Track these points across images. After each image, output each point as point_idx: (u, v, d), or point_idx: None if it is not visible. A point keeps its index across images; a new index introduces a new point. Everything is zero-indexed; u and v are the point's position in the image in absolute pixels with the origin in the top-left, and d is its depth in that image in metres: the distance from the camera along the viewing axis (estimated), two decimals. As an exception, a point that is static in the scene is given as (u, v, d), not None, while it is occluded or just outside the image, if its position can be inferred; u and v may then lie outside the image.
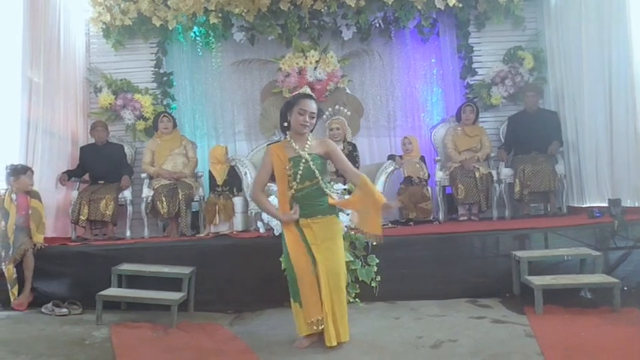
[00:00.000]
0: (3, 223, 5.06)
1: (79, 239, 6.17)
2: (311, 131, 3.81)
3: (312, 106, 3.71)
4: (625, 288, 4.55)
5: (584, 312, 4.24)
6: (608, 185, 5.93)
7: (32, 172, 5.43)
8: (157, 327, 4.38)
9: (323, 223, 3.71)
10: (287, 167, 3.70)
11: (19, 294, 4.95)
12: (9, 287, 4.92)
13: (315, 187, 3.71)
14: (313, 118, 3.72)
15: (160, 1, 7.10)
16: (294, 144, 3.74)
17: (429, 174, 6.76)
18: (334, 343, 3.61)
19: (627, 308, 4.22)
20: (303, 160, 3.68)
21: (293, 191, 3.72)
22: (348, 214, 5.07)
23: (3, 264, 4.96)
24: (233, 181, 6.60)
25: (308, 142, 3.74)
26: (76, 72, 7.12)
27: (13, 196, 5.18)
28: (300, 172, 3.67)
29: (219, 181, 6.54)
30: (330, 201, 3.75)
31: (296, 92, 4.03)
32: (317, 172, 3.69)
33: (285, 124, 3.80)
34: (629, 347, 3.43)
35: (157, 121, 6.78)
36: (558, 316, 4.16)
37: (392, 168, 6.61)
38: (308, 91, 3.96)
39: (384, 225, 5.95)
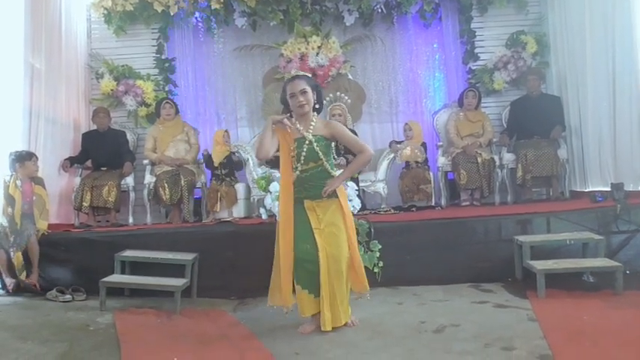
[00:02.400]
0: (10, 209, 5.06)
1: (81, 226, 6.19)
2: (317, 108, 3.83)
3: (299, 84, 3.72)
4: (627, 271, 4.53)
5: (586, 296, 4.26)
6: (610, 169, 5.92)
7: (37, 158, 5.44)
8: (161, 313, 4.41)
9: (327, 205, 3.73)
10: (292, 148, 3.74)
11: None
12: (17, 273, 4.94)
13: (320, 169, 3.75)
14: (305, 93, 3.71)
15: (162, -14, 7.08)
16: (298, 125, 3.77)
17: (426, 158, 6.72)
18: (329, 329, 3.65)
19: (630, 291, 4.23)
20: (307, 142, 3.71)
21: (298, 172, 3.75)
22: (350, 201, 5.07)
23: (12, 250, 4.97)
24: (230, 164, 6.54)
25: (312, 124, 3.76)
26: (77, 58, 7.10)
27: (18, 182, 5.17)
28: (303, 153, 3.71)
29: (216, 162, 6.48)
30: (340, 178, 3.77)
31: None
32: (320, 153, 3.72)
33: (289, 114, 3.85)
34: (631, 330, 3.44)
35: (160, 108, 6.77)
36: (561, 300, 4.17)
37: (391, 156, 6.62)
38: (296, 71, 3.97)
39: (386, 211, 6.02)
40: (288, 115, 3.84)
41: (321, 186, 3.72)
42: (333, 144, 3.88)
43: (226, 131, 6.75)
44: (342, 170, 3.96)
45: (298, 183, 3.77)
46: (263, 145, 3.72)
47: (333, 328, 3.67)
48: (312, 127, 3.75)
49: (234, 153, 6.62)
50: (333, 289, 3.68)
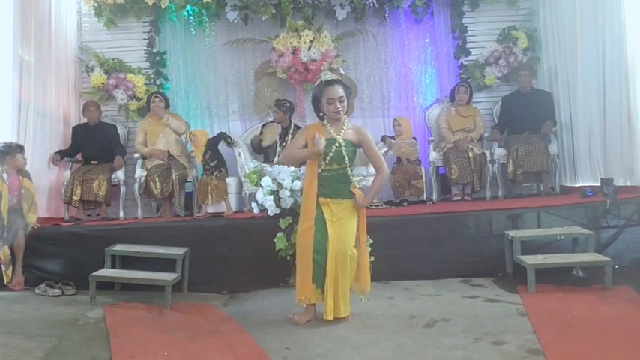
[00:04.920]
0: (-5, 203, 4.99)
1: (72, 220, 6.15)
2: (345, 113, 3.89)
3: (339, 91, 3.79)
4: (616, 266, 4.60)
5: (576, 290, 4.30)
6: (600, 165, 5.95)
7: (24, 151, 5.36)
8: (152, 307, 4.39)
9: (342, 204, 3.83)
10: None
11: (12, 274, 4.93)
12: (3, 268, 4.86)
13: (342, 172, 3.83)
14: (343, 101, 3.79)
15: (152, -22, 7.01)
16: (330, 128, 3.84)
17: (418, 156, 6.74)
18: (330, 318, 3.72)
19: (619, 286, 4.27)
20: (337, 144, 3.79)
21: (319, 170, 3.82)
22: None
23: None
24: (216, 156, 6.52)
25: (344, 128, 3.85)
26: (67, 51, 7.03)
27: (5, 175, 5.05)
28: (331, 153, 3.78)
29: (199, 160, 6.52)
30: (356, 191, 3.86)
31: (318, 80, 4.08)
32: (346, 157, 3.80)
33: (321, 114, 3.89)
34: (620, 324, 3.47)
35: (150, 101, 6.72)
36: (550, 294, 4.21)
37: (385, 150, 6.62)
38: (328, 74, 4.00)
39: (377, 206, 6.03)
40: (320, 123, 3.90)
41: (338, 189, 3.83)
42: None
43: (191, 133, 6.64)
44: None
45: (317, 180, 3.84)
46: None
47: (334, 318, 3.74)
48: (343, 131, 3.84)
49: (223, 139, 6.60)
50: (337, 280, 3.75)
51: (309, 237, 3.77)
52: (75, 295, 4.77)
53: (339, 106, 3.77)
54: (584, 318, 3.63)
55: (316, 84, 4.00)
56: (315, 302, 3.84)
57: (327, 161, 3.79)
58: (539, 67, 7.31)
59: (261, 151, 6.73)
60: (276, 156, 6.42)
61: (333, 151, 3.78)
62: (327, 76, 4.00)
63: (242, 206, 6.45)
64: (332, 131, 3.82)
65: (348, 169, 3.83)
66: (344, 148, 3.79)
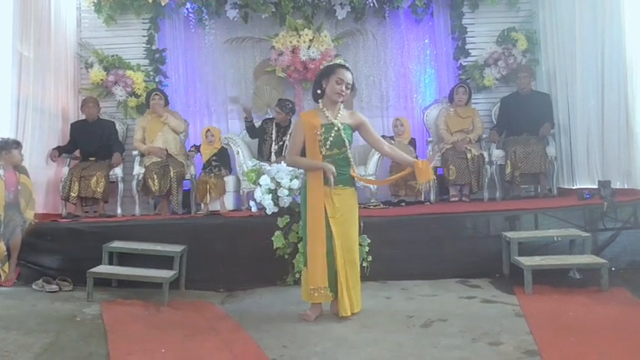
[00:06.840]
0: (-8, 199, 4.96)
1: (69, 216, 6.14)
2: (342, 102, 3.90)
3: (349, 76, 3.81)
4: (613, 268, 4.62)
5: (572, 292, 4.31)
6: (598, 167, 5.97)
7: (21, 146, 5.35)
8: (149, 304, 4.40)
9: (343, 194, 3.83)
10: (318, 133, 3.77)
11: None
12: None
13: (342, 156, 3.84)
14: (348, 88, 3.82)
15: (153, -25, 7.00)
16: (326, 112, 3.84)
17: (416, 156, 6.74)
18: (348, 314, 3.77)
19: (615, 288, 4.28)
20: (335, 128, 3.79)
21: (320, 157, 3.80)
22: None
23: None
24: (223, 158, 6.58)
25: (340, 112, 3.86)
26: (66, 47, 7.01)
27: (1, 171, 5.02)
28: (330, 138, 3.78)
29: (204, 159, 6.57)
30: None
31: (331, 62, 4.05)
32: (346, 140, 3.81)
33: (319, 92, 3.88)
34: (616, 326, 3.48)
35: (149, 99, 6.71)
36: (547, 296, 4.22)
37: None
38: (342, 61, 3.99)
39: (375, 205, 6.03)
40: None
41: (339, 173, 3.80)
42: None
43: (208, 130, 6.69)
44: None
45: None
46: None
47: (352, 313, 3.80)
48: (339, 115, 3.85)
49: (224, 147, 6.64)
50: (347, 277, 3.78)
51: (322, 229, 3.74)
52: (72, 292, 4.78)
53: (344, 89, 3.78)
54: (581, 320, 3.64)
55: (327, 64, 3.98)
56: (318, 301, 3.85)
57: (328, 146, 3.78)
58: (538, 68, 7.32)
59: (255, 133, 6.70)
60: (272, 154, 6.42)
61: (333, 135, 3.77)
62: (342, 61, 3.99)
63: (240, 204, 6.44)
64: (328, 115, 3.82)
65: (349, 152, 3.84)
66: (343, 132, 3.79)
